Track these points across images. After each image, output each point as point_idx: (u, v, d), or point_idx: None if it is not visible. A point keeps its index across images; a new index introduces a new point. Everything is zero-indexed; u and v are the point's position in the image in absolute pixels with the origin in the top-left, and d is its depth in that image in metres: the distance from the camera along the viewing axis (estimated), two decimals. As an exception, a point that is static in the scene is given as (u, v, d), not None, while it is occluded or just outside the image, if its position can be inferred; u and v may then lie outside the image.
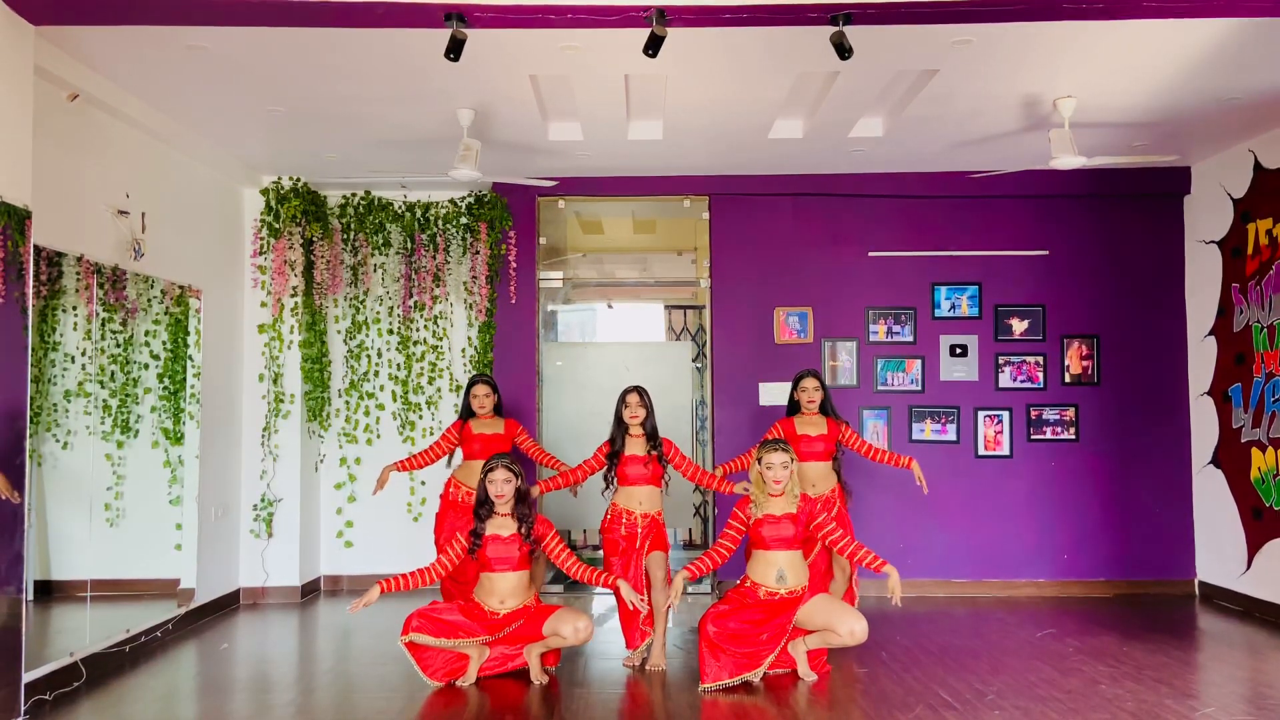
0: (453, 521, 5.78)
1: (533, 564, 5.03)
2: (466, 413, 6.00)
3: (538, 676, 4.90)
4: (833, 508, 5.64)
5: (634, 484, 5.21)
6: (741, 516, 4.91)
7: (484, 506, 4.90)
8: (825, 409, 5.77)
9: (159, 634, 5.82)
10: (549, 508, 7.19)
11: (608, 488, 5.35)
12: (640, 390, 5.30)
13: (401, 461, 5.99)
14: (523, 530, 4.89)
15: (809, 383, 5.76)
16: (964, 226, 7.24)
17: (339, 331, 7.39)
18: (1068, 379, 7.20)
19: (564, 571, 4.95)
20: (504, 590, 4.87)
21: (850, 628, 4.70)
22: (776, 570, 4.81)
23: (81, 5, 4.18)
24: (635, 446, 5.26)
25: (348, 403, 7.37)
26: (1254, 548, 6.43)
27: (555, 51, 4.73)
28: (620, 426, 5.28)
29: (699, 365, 7.91)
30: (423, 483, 7.28)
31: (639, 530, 5.18)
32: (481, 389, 5.96)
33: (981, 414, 7.18)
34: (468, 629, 4.82)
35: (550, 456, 5.95)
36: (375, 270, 7.36)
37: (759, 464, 4.88)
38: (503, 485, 4.85)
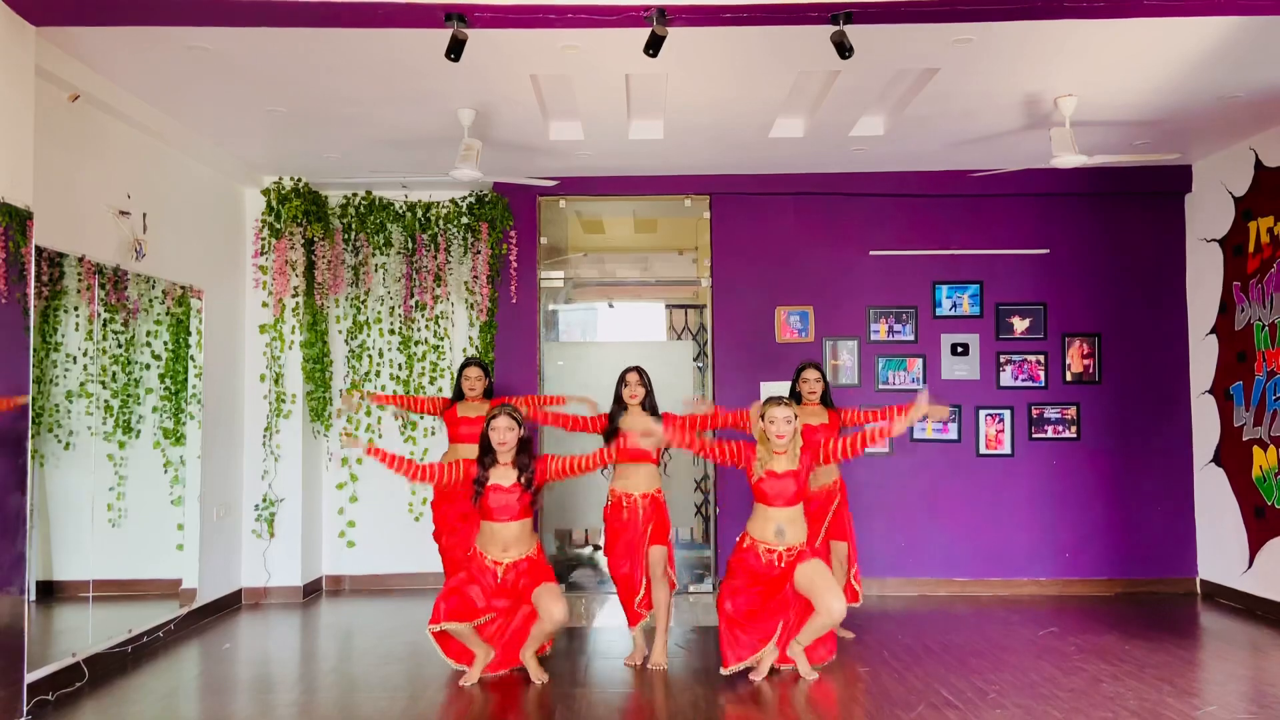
0: (447, 510, 5.78)
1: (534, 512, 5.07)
2: (457, 394, 6.04)
3: (538, 676, 4.91)
4: (834, 500, 5.65)
5: (630, 460, 5.24)
6: (745, 455, 4.88)
7: (487, 455, 4.92)
8: (826, 400, 5.80)
9: (161, 634, 5.83)
10: (550, 508, 7.20)
11: (605, 467, 5.37)
12: (639, 370, 5.38)
13: (388, 396, 6.05)
14: (523, 480, 4.90)
15: (810, 374, 5.79)
16: (965, 225, 7.24)
17: (340, 331, 7.40)
18: (1069, 377, 7.19)
19: (574, 473, 4.92)
20: (506, 538, 4.88)
21: (829, 605, 4.71)
22: (775, 526, 4.85)
23: (82, 6, 4.19)
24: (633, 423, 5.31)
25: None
26: (1255, 546, 6.42)
27: (556, 51, 4.73)
28: (620, 405, 5.33)
29: (700, 364, 7.90)
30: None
31: (640, 512, 5.20)
32: (473, 371, 6.07)
33: (983, 413, 7.18)
34: (479, 590, 4.84)
35: (544, 398, 6.07)
36: (376, 270, 7.36)
37: (763, 420, 4.87)
38: (505, 433, 4.88)
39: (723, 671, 4.86)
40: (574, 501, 7.24)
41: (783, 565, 4.82)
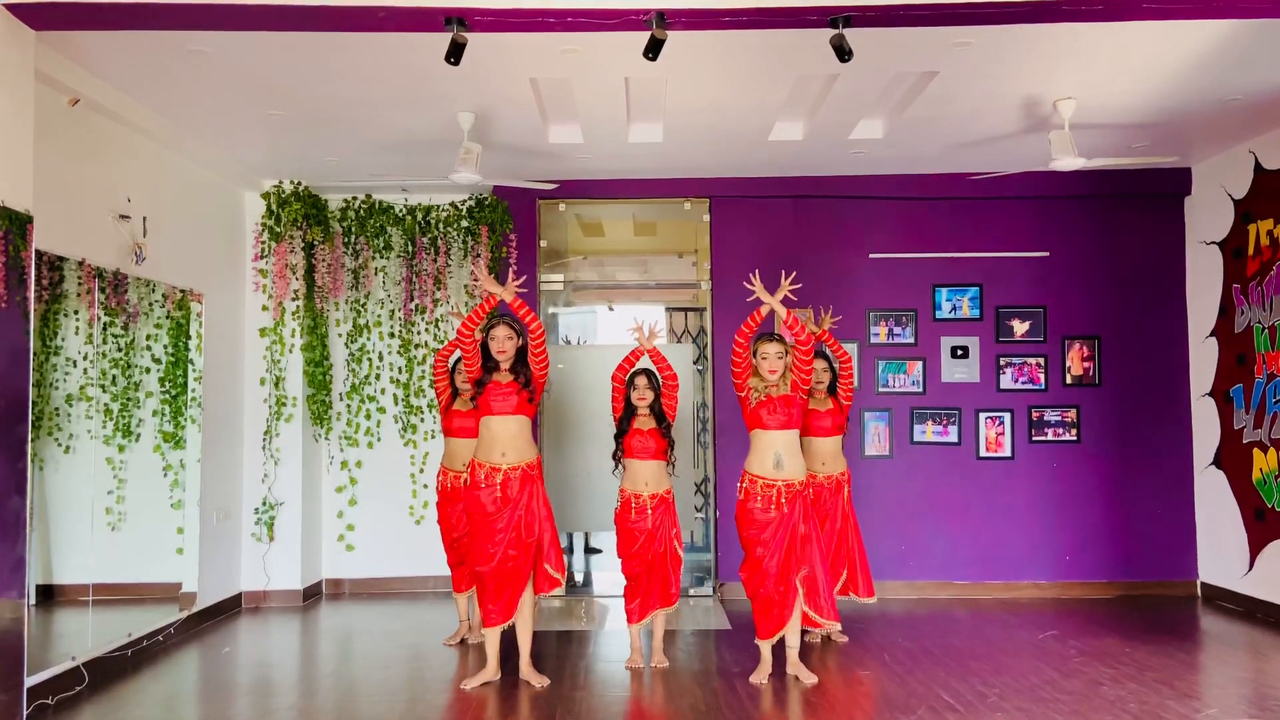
0: (450, 512, 5.74)
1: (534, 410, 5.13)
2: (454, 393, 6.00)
3: (538, 680, 4.92)
4: (842, 492, 5.64)
5: (638, 456, 5.27)
6: (741, 381, 5.03)
7: (489, 363, 4.96)
8: (831, 388, 5.78)
9: (161, 638, 5.82)
10: (554, 507, 7.19)
11: (616, 467, 5.41)
12: (649, 373, 5.41)
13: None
14: (520, 380, 4.96)
15: (817, 363, 5.78)
16: (965, 228, 7.25)
17: (340, 335, 7.40)
18: (1069, 380, 7.19)
19: (534, 333, 4.94)
20: (504, 438, 4.91)
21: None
22: (774, 454, 4.92)
23: (82, 10, 4.18)
24: (641, 423, 5.35)
25: (349, 406, 7.37)
26: (1256, 549, 6.42)
27: (555, 55, 4.74)
28: (629, 408, 5.36)
29: (700, 367, 7.90)
30: (425, 485, 7.29)
31: (649, 513, 5.21)
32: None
33: (983, 415, 7.18)
34: (477, 522, 4.91)
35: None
36: (376, 273, 7.36)
37: (755, 356, 5.03)
38: (504, 342, 4.94)
39: (758, 641, 4.97)
40: (575, 503, 7.24)
41: (785, 504, 4.87)
